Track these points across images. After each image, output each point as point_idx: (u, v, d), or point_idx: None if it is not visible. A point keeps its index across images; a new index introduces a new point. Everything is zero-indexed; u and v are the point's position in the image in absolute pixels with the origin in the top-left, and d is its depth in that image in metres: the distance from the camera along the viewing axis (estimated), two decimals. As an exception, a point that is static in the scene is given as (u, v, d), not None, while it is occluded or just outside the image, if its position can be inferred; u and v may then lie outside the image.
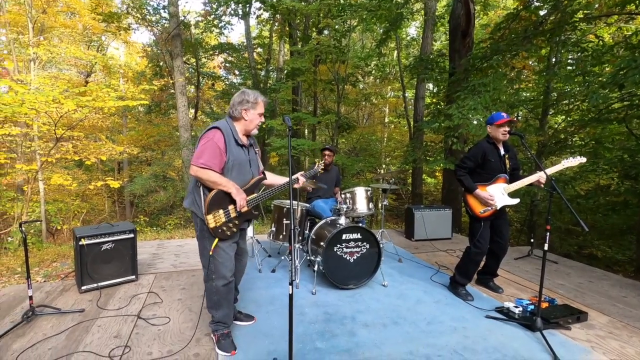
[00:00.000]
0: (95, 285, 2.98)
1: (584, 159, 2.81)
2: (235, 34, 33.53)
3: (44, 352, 2.16)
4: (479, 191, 2.93)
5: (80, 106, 6.35)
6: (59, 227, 10.27)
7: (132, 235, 3.16)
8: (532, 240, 4.55)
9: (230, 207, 2.15)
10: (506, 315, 2.73)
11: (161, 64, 15.07)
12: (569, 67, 7.66)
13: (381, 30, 9.91)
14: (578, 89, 7.30)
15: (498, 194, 2.94)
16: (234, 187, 2.11)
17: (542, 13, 7.09)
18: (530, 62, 10.38)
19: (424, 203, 11.74)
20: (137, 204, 14.18)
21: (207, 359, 2.13)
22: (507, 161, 3.00)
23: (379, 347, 2.30)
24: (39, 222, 7.30)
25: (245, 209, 2.19)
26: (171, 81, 13.34)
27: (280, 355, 2.14)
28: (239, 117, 2.21)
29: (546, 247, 2.46)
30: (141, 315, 2.62)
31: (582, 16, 6.97)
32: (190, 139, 10.50)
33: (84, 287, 2.95)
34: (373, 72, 16.69)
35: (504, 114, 2.89)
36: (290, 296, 1.78)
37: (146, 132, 14.12)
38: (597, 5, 7.47)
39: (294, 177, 2.37)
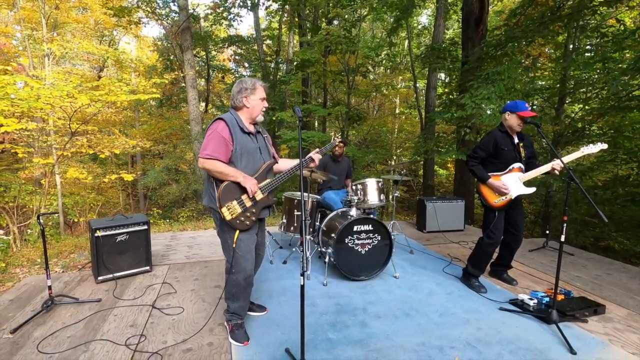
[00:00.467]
0: (111, 275, 3.05)
1: (605, 145, 2.71)
2: (245, 25, 33.40)
3: (63, 339, 2.22)
4: (492, 180, 2.88)
5: (94, 100, 6.44)
6: (75, 220, 10.54)
7: (145, 227, 3.21)
8: (547, 232, 4.45)
9: (244, 196, 2.13)
10: (520, 307, 2.69)
11: (172, 57, 15.15)
12: (587, 54, 7.39)
13: (392, 19, 9.69)
14: (597, 76, 7.06)
15: (513, 183, 2.87)
16: (242, 175, 2.10)
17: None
18: (547, 50, 10.09)
19: (436, 195, 11.63)
20: (150, 196, 14.42)
21: (221, 348, 2.16)
22: (521, 150, 2.93)
23: (391, 338, 2.29)
24: (56, 215, 7.48)
25: (260, 195, 2.18)
26: (182, 74, 13.43)
27: (292, 345, 2.15)
28: (241, 106, 2.21)
29: (563, 238, 2.41)
30: (156, 305, 2.67)
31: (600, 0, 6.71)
32: (201, 132, 10.56)
33: (100, 278, 3.02)
34: (384, 62, 16.45)
35: (527, 106, 2.80)
36: (302, 287, 1.78)
37: (158, 125, 14.28)
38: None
39: (307, 156, 2.37)
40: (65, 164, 9.26)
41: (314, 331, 2.36)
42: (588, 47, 7.33)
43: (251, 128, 2.25)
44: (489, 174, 2.91)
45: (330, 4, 10.45)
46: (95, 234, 2.94)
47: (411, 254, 3.98)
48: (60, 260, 4.12)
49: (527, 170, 2.92)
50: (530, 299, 2.71)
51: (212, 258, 3.75)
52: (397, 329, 2.40)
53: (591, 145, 2.71)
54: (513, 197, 2.86)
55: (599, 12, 6.60)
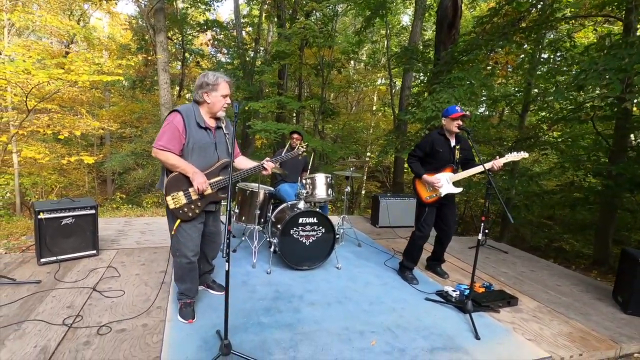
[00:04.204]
0: (54, 258, 3.06)
1: (526, 154, 2.98)
2: (226, 10, 32.62)
3: (-5, 318, 2.25)
4: (426, 176, 3.09)
5: (53, 78, 6.23)
6: (33, 201, 10.13)
7: (93, 212, 3.22)
8: (486, 230, 4.77)
9: (191, 189, 2.21)
10: (444, 298, 2.94)
11: (146, 37, 14.63)
12: (542, 68, 7.84)
13: (361, 19, 9.82)
14: (553, 88, 7.52)
15: (444, 181, 3.10)
16: (192, 171, 2.16)
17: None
18: (518, 58, 10.53)
19: (404, 191, 12.01)
20: (116, 180, 14.04)
21: (154, 329, 2.26)
22: (457, 152, 3.15)
23: (319, 323, 2.47)
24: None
25: (209, 191, 2.24)
26: (156, 57, 13.06)
27: (223, 327, 2.28)
28: (201, 101, 2.25)
29: (480, 236, 2.65)
30: (96, 288, 2.73)
31: (559, 16, 7.12)
32: (171, 117, 10.38)
33: (42, 260, 3.02)
34: (364, 59, 16.61)
35: (458, 108, 3.03)
36: (227, 272, 1.91)
37: (128, 107, 13.83)
38: (581, 5, 7.62)
39: (261, 163, 2.41)
40: (24, 142, 8.88)
41: (248, 315, 2.50)
42: (542, 60, 7.76)
43: (211, 123, 2.28)
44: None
45: (307, -3, 10.45)
46: (39, 216, 2.94)
47: (359, 247, 4.19)
48: (10, 241, 4.05)
49: (461, 171, 3.16)
50: (454, 291, 2.96)
51: (162, 245, 3.80)
52: (327, 315, 2.58)
53: (515, 152, 2.97)
54: (442, 195, 3.09)
55: (556, 27, 7.02)
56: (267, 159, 2.44)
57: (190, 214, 2.24)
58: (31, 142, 9.55)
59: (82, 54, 12.69)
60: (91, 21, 17.43)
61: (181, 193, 2.21)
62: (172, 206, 2.20)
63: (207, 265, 2.73)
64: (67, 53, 14.32)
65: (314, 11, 10.76)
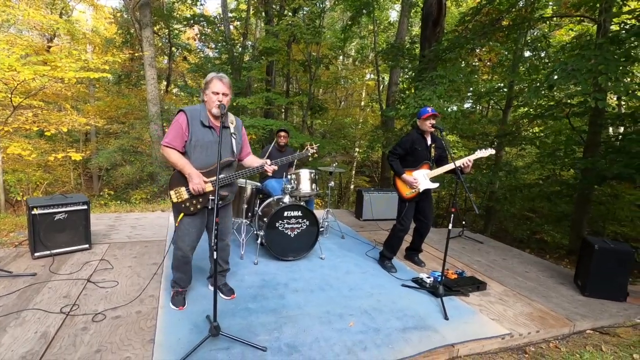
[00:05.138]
0: (48, 252, 3.18)
1: (493, 151, 3.23)
2: (213, 4, 32.25)
3: (-5, 308, 2.38)
4: (406, 175, 3.31)
5: (39, 75, 6.22)
6: (18, 198, 10.06)
7: (85, 207, 3.34)
8: (463, 222, 5.05)
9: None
10: (419, 284, 3.17)
11: (132, 31, 14.45)
12: (524, 66, 8.14)
13: (349, 14, 9.95)
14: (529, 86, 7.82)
15: (421, 178, 3.32)
16: (189, 172, 2.27)
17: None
18: (499, 56, 10.84)
19: (391, 187, 12.29)
20: (103, 177, 13.94)
21: (148, 315, 2.43)
22: (432, 150, 3.38)
23: (302, 307, 2.67)
24: None
25: (210, 188, 2.33)
26: (141, 52, 12.97)
27: (212, 313, 2.46)
28: (204, 100, 2.38)
29: (450, 226, 2.87)
30: (91, 280, 2.87)
31: (537, 16, 7.40)
32: (159, 113, 10.38)
33: (37, 254, 3.14)
34: (353, 54, 16.73)
35: (429, 109, 3.24)
36: (215, 260, 2.09)
37: (114, 103, 13.70)
38: (561, 4, 7.90)
39: (259, 165, 2.48)
40: (8, 139, 8.79)
41: (236, 302, 2.69)
42: (522, 59, 8.04)
43: (214, 122, 2.36)
44: (404, 168, 3.34)
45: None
46: (32, 212, 3.05)
47: (342, 239, 4.40)
48: (1, 238, 4.12)
49: (435, 168, 3.38)
50: (428, 278, 3.20)
51: (153, 239, 3.94)
52: (310, 300, 2.78)
53: (484, 149, 3.21)
54: (421, 191, 3.31)
55: (534, 27, 7.29)
56: (268, 161, 2.48)
57: (192, 208, 2.37)
58: (15, 138, 9.44)
59: (66, 48, 12.52)
60: (74, 14, 17.07)
61: (183, 188, 2.36)
62: (174, 200, 2.37)
63: (218, 266, 2.73)
64: (50, 47, 14.08)
65: (302, 8, 10.83)
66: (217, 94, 2.31)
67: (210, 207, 2.39)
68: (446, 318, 2.61)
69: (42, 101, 10.49)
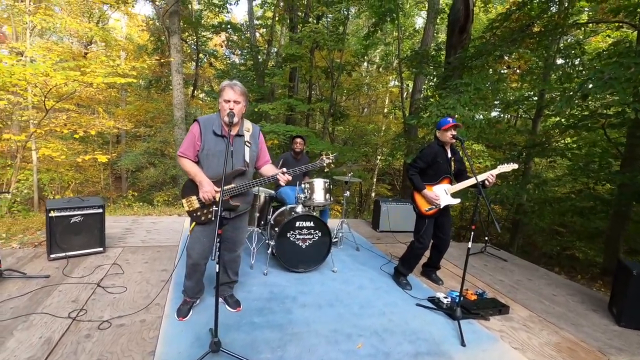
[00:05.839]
0: (63, 254, 3.23)
1: (516, 165, 3.03)
2: (240, 11, 33.02)
3: (6, 310, 2.41)
4: (427, 191, 3.14)
5: (69, 80, 6.49)
6: (50, 197, 10.54)
7: (100, 211, 3.39)
8: (486, 238, 4.78)
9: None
10: (436, 304, 2.98)
11: (162, 38, 14.99)
12: (555, 75, 7.74)
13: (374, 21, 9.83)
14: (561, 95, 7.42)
15: (442, 194, 3.15)
16: (200, 180, 2.25)
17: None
18: (529, 63, 10.41)
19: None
20: (128, 178, 14.43)
21: (152, 325, 2.39)
22: (452, 163, 3.20)
23: (309, 324, 2.55)
24: (8, 195, 7.13)
25: (221, 196, 2.22)
26: (170, 58, 13.39)
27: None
28: (219, 109, 2.34)
29: (470, 244, 2.69)
30: (101, 284, 2.88)
31: (571, 22, 7.03)
32: (183, 117, 10.62)
33: (52, 256, 3.20)
34: (377, 61, 16.59)
35: (449, 119, 3.08)
36: (217, 274, 2.02)
37: (143, 107, 14.19)
38: (598, 9, 7.48)
39: (273, 174, 2.36)
40: (44, 140, 9.24)
41: (242, 315, 2.61)
42: (554, 67, 7.65)
43: (226, 130, 2.28)
44: (423, 183, 3.18)
45: (320, 1, 10.54)
46: (50, 214, 3.11)
47: (357, 251, 4.25)
48: (26, 236, 4.27)
49: (455, 182, 3.20)
50: (446, 298, 3.00)
51: (166, 244, 3.95)
52: (317, 317, 2.66)
53: (506, 163, 3.01)
54: (441, 207, 3.14)
55: (569, 33, 6.92)
56: (283, 170, 2.36)
57: (202, 217, 2.35)
58: (50, 139, 9.93)
59: (100, 55, 13.10)
60: (110, 22, 17.93)
61: (194, 197, 2.34)
62: (186, 209, 2.38)
63: (225, 277, 2.65)
64: (86, 54, 14.82)
65: (325, 15, 10.85)
66: (228, 101, 2.26)
67: (225, 216, 2.26)
68: (463, 344, 2.43)
69: (77, 105, 11.01)
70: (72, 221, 3.24)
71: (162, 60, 11.03)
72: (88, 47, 15.98)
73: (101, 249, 3.47)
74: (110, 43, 15.00)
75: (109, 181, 15.73)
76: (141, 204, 9.05)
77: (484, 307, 2.92)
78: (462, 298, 2.86)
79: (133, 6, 14.43)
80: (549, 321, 2.90)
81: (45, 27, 10.95)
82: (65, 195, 10.61)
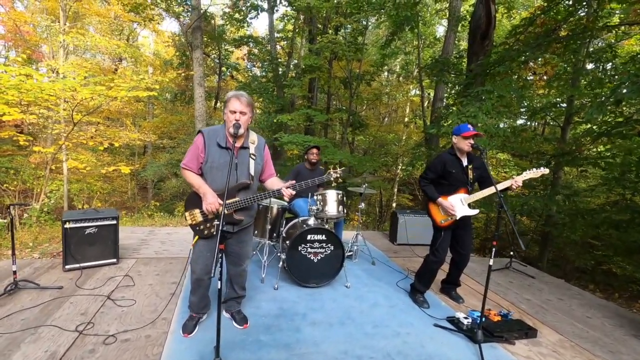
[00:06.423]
0: (78, 265, 3.27)
1: (546, 170, 2.81)
2: (262, 24, 33.85)
3: (17, 321, 2.43)
4: (441, 200, 2.98)
5: (95, 94, 6.77)
6: (80, 207, 10.96)
7: (114, 222, 3.42)
8: (512, 252, 4.49)
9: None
10: (455, 325, 2.78)
11: (187, 53, 15.50)
12: (585, 80, 7.36)
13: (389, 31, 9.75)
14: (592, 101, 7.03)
15: (458, 204, 2.97)
16: (203, 191, 2.19)
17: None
18: (556, 69, 10.01)
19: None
20: (151, 189, 14.87)
21: (156, 341, 2.34)
22: (470, 172, 3.02)
23: (318, 344, 2.43)
24: (28, 207, 7.37)
25: (224, 210, 2.14)
26: (192, 72, 13.81)
27: (222, 344, 2.31)
28: (224, 120, 2.30)
29: (491, 262, 2.50)
30: (111, 297, 2.87)
31: (601, 24, 6.69)
32: (204, 129, 10.84)
33: (67, 267, 3.24)
34: (397, 70, 16.47)
35: (470, 127, 2.91)
36: (219, 290, 1.95)
37: (167, 120, 14.67)
38: (630, 11, 7.08)
39: (278, 189, 2.29)
40: (75, 151, 9.67)
41: (248, 332, 2.52)
42: (583, 72, 7.28)
43: (231, 142, 2.19)
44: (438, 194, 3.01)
45: (339, 12, 10.59)
46: (65, 225, 3.16)
47: (373, 265, 4.09)
48: (52, 245, 4.39)
49: (476, 190, 3.01)
50: (466, 318, 2.80)
51: (179, 255, 3.95)
52: (327, 337, 2.53)
53: (534, 169, 2.80)
54: (458, 218, 2.95)
55: (599, 36, 6.58)
56: (290, 182, 2.32)
57: (205, 231, 2.30)
58: (81, 151, 10.39)
59: (126, 71, 13.69)
60: (139, 39, 18.80)
61: (197, 210, 2.29)
62: (189, 222, 2.33)
63: (232, 292, 2.62)
64: (116, 70, 15.57)
65: (343, 26, 10.88)
66: (234, 112, 2.21)
67: (228, 230, 2.28)
68: (484, 372, 2.23)
69: (107, 118, 11.47)
70: (86, 232, 3.29)
71: (184, 74, 11.36)
72: (118, 63, 16.79)
73: (115, 260, 3.49)
74: (138, 59, 15.68)
75: (135, 191, 16.26)
76: (162, 213, 9.24)
77: (508, 330, 2.69)
78: (484, 319, 2.66)
79: (159, 23, 15.07)
80: (583, 347, 2.64)
81: (77, 45, 11.60)
82: (93, 205, 11.00)
